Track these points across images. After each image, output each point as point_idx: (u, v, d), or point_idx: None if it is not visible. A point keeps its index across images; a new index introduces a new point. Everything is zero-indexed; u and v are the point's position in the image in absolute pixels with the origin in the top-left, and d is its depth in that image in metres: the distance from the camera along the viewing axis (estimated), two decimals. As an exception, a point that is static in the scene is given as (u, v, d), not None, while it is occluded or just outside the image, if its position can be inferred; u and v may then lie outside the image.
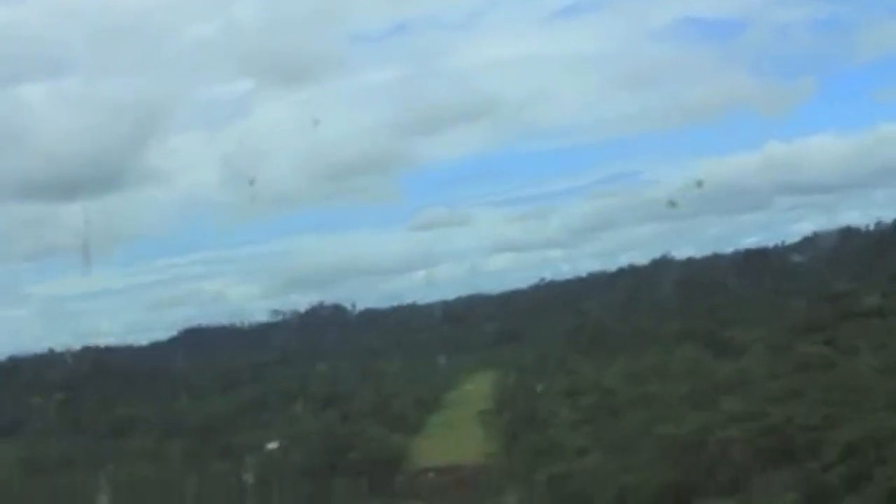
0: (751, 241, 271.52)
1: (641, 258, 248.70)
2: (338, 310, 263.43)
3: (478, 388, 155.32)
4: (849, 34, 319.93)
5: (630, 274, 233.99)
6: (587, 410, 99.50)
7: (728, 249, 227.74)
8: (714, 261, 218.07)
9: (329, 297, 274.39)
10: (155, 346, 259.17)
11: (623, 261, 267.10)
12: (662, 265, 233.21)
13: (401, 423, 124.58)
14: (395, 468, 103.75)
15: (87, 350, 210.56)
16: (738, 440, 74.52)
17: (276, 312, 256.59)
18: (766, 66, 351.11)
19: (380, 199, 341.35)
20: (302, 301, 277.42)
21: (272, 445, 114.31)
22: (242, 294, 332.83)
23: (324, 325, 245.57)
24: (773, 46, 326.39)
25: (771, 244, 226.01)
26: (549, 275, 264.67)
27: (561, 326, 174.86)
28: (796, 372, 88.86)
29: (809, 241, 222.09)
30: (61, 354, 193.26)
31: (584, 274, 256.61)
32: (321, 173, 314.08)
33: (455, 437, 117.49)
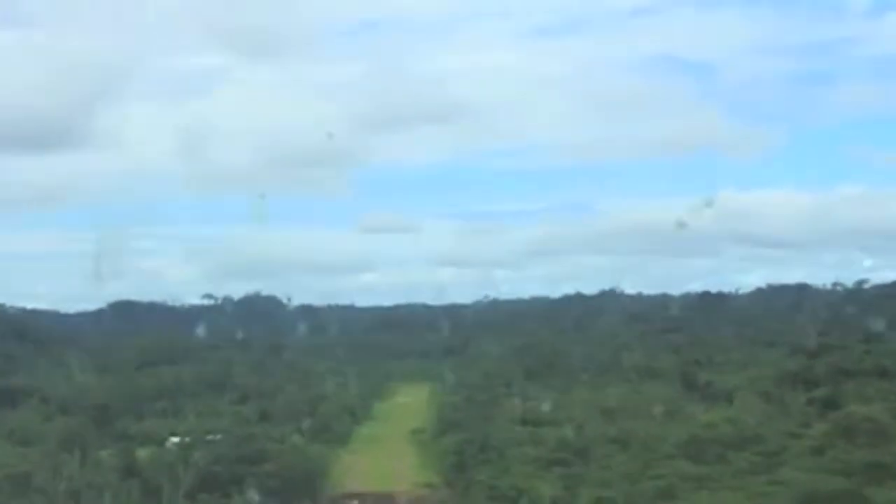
0: (697, 286, 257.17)
1: (587, 288, 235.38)
2: (273, 302, 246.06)
3: (412, 402, 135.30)
4: (822, 90, 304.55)
5: (576, 302, 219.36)
6: (553, 446, 79.51)
7: (675, 290, 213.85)
8: (665, 299, 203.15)
9: (267, 288, 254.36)
10: (80, 316, 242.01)
11: (567, 289, 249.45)
12: (611, 297, 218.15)
13: (324, 431, 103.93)
14: (313, 487, 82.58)
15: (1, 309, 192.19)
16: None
17: (209, 297, 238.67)
18: (736, 112, 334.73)
19: (331, 194, 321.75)
20: (238, 289, 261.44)
21: (173, 441, 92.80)
22: (180, 274, 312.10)
23: (257, 316, 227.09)
24: (746, 93, 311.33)
25: (722, 290, 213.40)
26: (493, 293, 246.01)
27: (505, 346, 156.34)
28: (841, 437, 69.47)
29: (764, 293, 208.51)
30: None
31: (527, 296, 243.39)
32: (276, 160, 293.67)
33: (385, 457, 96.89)
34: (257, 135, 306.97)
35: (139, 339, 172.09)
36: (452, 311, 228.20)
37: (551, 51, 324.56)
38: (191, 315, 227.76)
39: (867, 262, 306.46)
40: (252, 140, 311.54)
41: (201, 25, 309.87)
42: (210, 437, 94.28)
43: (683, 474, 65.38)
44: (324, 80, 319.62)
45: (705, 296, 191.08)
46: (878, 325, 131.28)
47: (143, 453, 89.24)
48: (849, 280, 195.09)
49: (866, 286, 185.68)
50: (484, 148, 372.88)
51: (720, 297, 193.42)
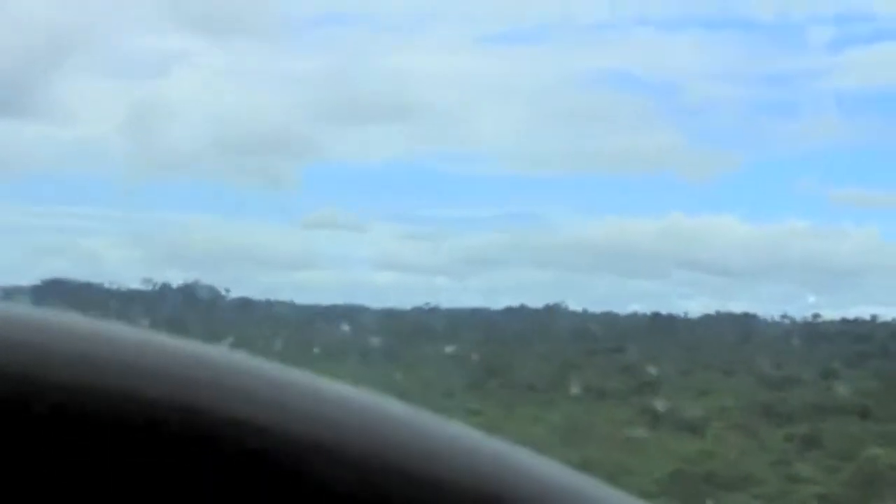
0: (641, 307, 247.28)
1: (531, 301, 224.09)
2: (211, 292, 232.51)
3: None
4: (778, 121, 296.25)
5: (520, 314, 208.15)
6: None
7: (619, 310, 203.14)
8: (611, 318, 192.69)
9: (206, 277, 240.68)
10: (10, 291, 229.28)
11: (511, 301, 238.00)
12: (556, 312, 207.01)
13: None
14: None
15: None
16: None
17: (147, 281, 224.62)
18: (692, 136, 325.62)
19: (281, 186, 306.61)
20: (179, 277, 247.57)
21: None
22: (120, 257, 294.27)
23: (193, 305, 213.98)
24: (702, 117, 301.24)
25: (668, 312, 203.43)
26: (433, 300, 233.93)
27: (445, 355, 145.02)
28: (864, 487, 58.72)
29: (712, 319, 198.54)
30: None
31: (469, 306, 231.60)
32: (228, 147, 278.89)
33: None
34: (211, 121, 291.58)
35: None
36: (391, 315, 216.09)
37: (512, 58, 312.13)
38: (127, 299, 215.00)
39: (811, 298, 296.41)
40: (205, 126, 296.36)
41: (163, 4, 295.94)
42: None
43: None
44: (283, 70, 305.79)
45: (655, 317, 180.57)
46: (835, 362, 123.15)
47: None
48: (795, 314, 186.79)
49: (818, 321, 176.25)
50: (437, 151, 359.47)
51: (670, 319, 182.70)
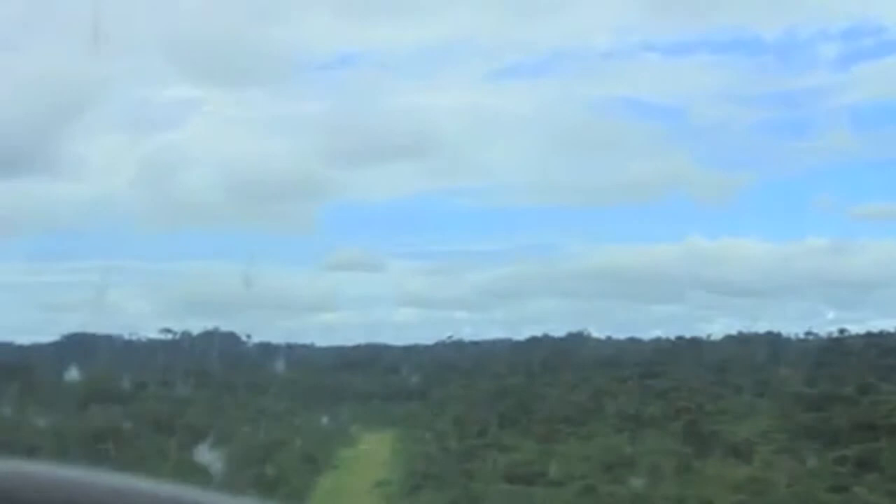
0: (662, 332, 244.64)
1: (553, 331, 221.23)
2: (232, 338, 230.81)
3: (376, 450, 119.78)
4: (791, 140, 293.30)
5: (543, 344, 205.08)
6: None
7: (642, 335, 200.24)
8: (635, 344, 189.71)
9: (226, 324, 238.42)
10: (34, 348, 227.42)
11: (533, 331, 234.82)
12: (579, 340, 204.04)
13: (282, 484, 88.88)
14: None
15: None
16: None
17: (167, 331, 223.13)
18: (705, 159, 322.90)
19: (296, 230, 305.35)
20: (198, 325, 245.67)
21: None
22: (140, 308, 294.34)
23: (215, 353, 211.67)
24: (714, 140, 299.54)
25: (689, 335, 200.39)
26: (455, 334, 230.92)
27: (473, 390, 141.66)
28: None
29: (736, 340, 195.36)
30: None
31: (491, 338, 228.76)
32: (243, 194, 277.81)
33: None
34: (224, 168, 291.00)
35: (87, 373, 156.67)
36: (414, 351, 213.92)
37: (521, 91, 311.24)
38: (148, 349, 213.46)
39: (830, 315, 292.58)
40: (219, 174, 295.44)
41: (173, 55, 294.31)
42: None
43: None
44: (295, 114, 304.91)
45: (679, 341, 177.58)
46: (870, 376, 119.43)
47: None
48: (818, 330, 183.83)
49: (845, 336, 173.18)
50: (450, 186, 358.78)
51: (695, 342, 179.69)
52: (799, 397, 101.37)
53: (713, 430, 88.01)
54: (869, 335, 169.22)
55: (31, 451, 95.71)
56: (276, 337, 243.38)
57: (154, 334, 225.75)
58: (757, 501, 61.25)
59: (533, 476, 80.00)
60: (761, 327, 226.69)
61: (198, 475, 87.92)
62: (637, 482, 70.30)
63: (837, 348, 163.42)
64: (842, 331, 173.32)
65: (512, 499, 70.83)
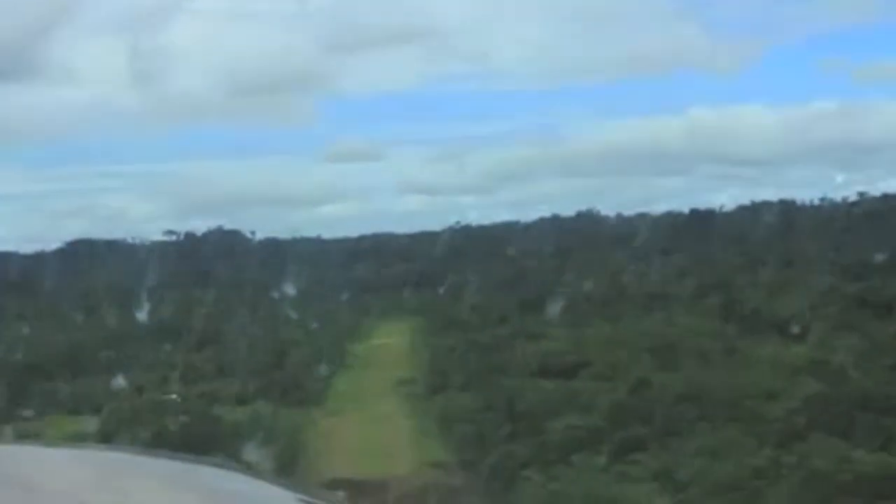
0: (670, 205, 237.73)
1: (561, 211, 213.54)
2: (236, 236, 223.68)
3: (392, 343, 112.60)
4: (795, 3, 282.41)
5: (553, 225, 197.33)
6: (606, 411, 56.59)
7: (651, 210, 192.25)
8: (647, 219, 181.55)
9: (230, 222, 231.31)
10: (38, 257, 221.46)
11: (540, 212, 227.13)
12: (588, 218, 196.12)
13: (295, 389, 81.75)
14: (286, 473, 60.47)
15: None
16: None
17: (171, 232, 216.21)
18: (707, 29, 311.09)
19: (295, 122, 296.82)
20: (202, 224, 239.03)
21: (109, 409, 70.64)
22: (142, 211, 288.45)
23: (219, 252, 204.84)
24: (716, 9, 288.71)
25: (697, 207, 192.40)
26: (463, 219, 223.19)
27: (487, 275, 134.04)
28: None
29: (749, 210, 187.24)
30: None
31: (500, 221, 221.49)
32: (238, 89, 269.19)
33: (370, 421, 74.54)
34: (218, 64, 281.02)
35: (87, 279, 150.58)
36: (423, 238, 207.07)
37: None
38: (152, 252, 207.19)
39: (839, 178, 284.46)
40: (213, 69, 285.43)
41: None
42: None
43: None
44: (289, 5, 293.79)
45: (692, 213, 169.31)
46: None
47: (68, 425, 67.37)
48: (834, 195, 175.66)
49: (863, 199, 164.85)
50: (450, 71, 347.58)
51: (708, 214, 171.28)
52: (836, 267, 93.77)
53: (752, 307, 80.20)
54: (886, 196, 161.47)
55: (31, 367, 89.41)
56: (281, 232, 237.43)
57: (157, 237, 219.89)
58: (827, 387, 53.22)
59: (571, 368, 71.90)
60: (772, 195, 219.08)
61: (203, 384, 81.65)
62: (687, 370, 62.09)
63: (858, 212, 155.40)
64: (861, 194, 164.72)
65: (554, 398, 62.48)
